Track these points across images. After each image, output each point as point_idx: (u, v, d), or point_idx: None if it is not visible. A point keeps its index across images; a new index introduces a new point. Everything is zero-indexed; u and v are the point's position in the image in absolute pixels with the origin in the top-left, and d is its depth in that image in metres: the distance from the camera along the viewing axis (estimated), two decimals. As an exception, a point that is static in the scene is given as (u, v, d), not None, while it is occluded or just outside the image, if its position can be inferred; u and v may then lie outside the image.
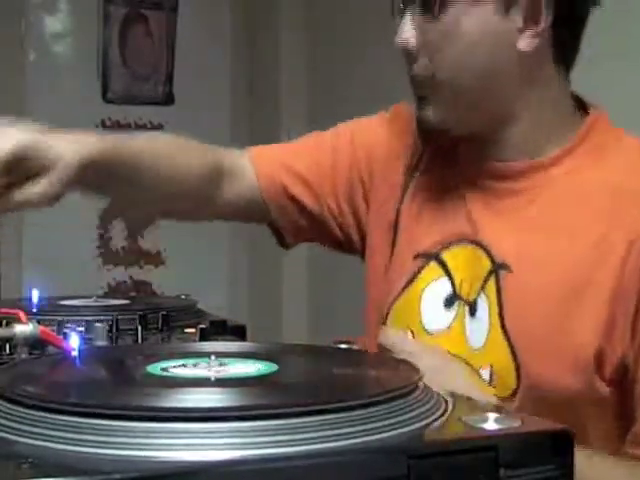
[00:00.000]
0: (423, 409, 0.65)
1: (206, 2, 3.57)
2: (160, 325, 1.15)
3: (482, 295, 1.03)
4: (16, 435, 0.59)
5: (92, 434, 0.57)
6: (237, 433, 0.57)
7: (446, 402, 0.69)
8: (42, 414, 0.60)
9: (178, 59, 3.50)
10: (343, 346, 0.88)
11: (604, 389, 0.97)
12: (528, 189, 1.04)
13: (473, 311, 1.04)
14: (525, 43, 0.99)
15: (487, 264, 1.03)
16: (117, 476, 0.53)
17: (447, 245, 1.08)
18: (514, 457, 0.61)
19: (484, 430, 0.62)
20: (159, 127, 3.47)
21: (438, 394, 0.70)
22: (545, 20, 0.98)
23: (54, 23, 3.35)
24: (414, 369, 0.73)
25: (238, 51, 3.57)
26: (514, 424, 0.63)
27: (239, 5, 3.58)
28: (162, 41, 3.50)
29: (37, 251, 3.25)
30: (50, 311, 1.18)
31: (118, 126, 3.42)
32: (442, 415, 0.66)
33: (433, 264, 1.08)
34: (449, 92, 1.03)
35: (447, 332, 1.06)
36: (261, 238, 3.77)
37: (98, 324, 1.04)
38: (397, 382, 0.67)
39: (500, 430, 0.62)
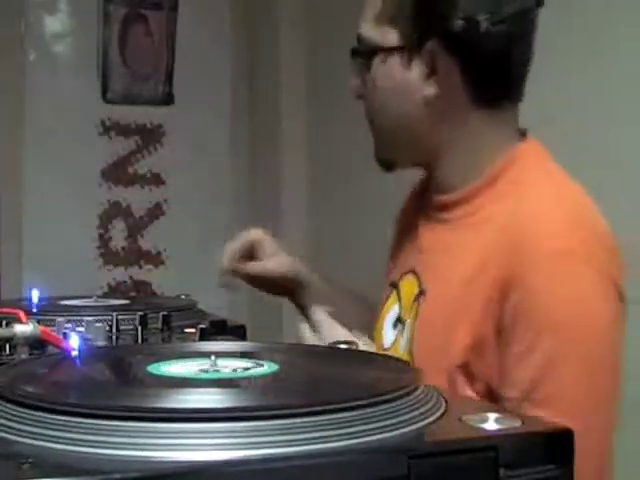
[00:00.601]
0: (423, 409, 0.65)
1: (206, 2, 3.57)
2: (160, 325, 1.15)
3: (410, 318, 1.18)
4: (16, 435, 0.59)
5: (92, 434, 0.57)
6: (237, 433, 0.57)
7: (446, 402, 0.69)
8: (42, 414, 0.60)
9: (178, 59, 3.50)
10: (343, 346, 0.88)
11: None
12: (453, 219, 1.17)
13: (403, 331, 1.19)
14: (429, 90, 1.12)
15: (416, 290, 1.18)
16: (117, 476, 0.53)
17: (403, 274, 1.23)
18: (514, 457, 0.61)
19: (484, 430, 0.62)
20: (159, 127, 3.47)
21: (438, 394, 0.70)
22: (445, 68, 1.11)
23: (54, 23, 3.35)
24: (415, 369, 0.73)
25: (238, 51, 3.57)
26: (514, 424, 0.63)
27: (239, 5, 3.58)
28: (162, 41, 3.50)
29: (37, 251, 3.25)
30: (50, 311, 1.18)
31: (118, 126, 3.42)
32: (442, 415, 0.66)
33: (394, 292, 1.25)
34: (378, 132, 1.22)
35: (391, 349, 1.21)
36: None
37: (98, 324, 1.04)
38: (397, 382, 0.67)
39: (500, 430, 0.62)
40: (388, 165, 1.25)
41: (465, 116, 1.13)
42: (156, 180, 3.47)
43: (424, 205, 1.25)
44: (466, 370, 1.06)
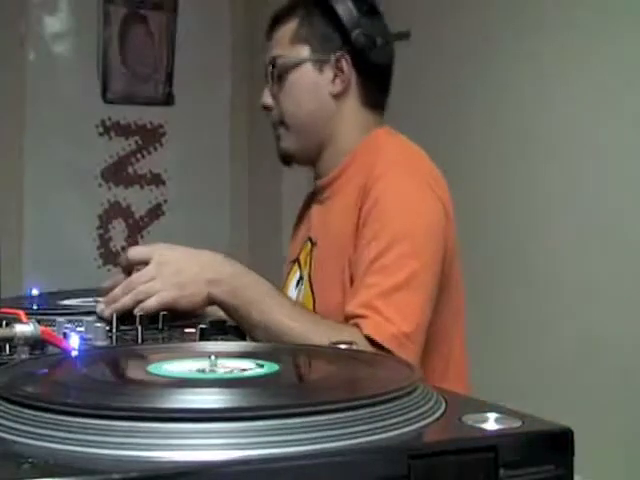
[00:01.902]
0: (423, 409, 0.65)
1: (206, 2, 3.57)
2: (160, 325, 1.15)
3: (306, 269, 1.51)
4: (16, 435, 0.59)
5: (92, 434, 0.57)
6: (237, 433, 0.57)
7: (446, 402, 0.69)
8: (42, 414, 0.60)
9: (178, 59, 3.50)
10: (343, 346, 0.88)
11: None
12: (330, 196, 1.52)
13: (302, 283, 1.52)
14: (337, 87, 1.47)
15: (309, 246, 1.52)
16: (117, 476, 0.53)
17: (301, 247, 1.57)
18: (514, 457, 0.61)
19: (484, 430, 0.62)
20: (159, 127, 3.47)
21: (438, 394, 0.70)
22: (347, 72, 1.46)
23: (54, 23, 3.35)
24: (414, 369, 0.73)
25: (238, 51, 3.57)
26: (514, 424, 0.63)
27: (239, 5, 3.58)
28: (162, 41, 3.50)
29: (37, 251, 3.25)
30: (50, 311, 1.18)
31: (118, 126, 3.42)
32: (442, 415, 0.66)
33: (295, 264, 1.58)
34: (292, 130, 1.53)
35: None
36: (261, 238, 3.78)
37: (98, 324, 1.04)
38: (397, 382, 0.67)
39: (500, 430, 0.62)
40: (288, 160, 1.56)
41: (354, 114, 1.49)
42: (156, 180, 3.47)
43: (313, 199, 1.59)
44: (350, 276, 1.40)
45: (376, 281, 1.31)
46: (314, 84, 1.48)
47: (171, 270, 1.24)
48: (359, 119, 1.49)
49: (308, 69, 1.47)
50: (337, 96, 1.47)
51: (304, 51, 1.48)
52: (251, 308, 1.23)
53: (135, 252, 1.29)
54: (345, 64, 1.45)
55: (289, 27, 1.51)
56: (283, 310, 1.25)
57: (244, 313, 1.23)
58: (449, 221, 1.41)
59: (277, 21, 1.56)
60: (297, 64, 1.48)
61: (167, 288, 1.21)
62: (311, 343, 1.15)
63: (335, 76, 1.46)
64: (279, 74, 1.49)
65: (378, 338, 1.26)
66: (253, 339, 1.22)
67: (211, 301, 1.24)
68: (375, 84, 1.50)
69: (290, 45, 1.49)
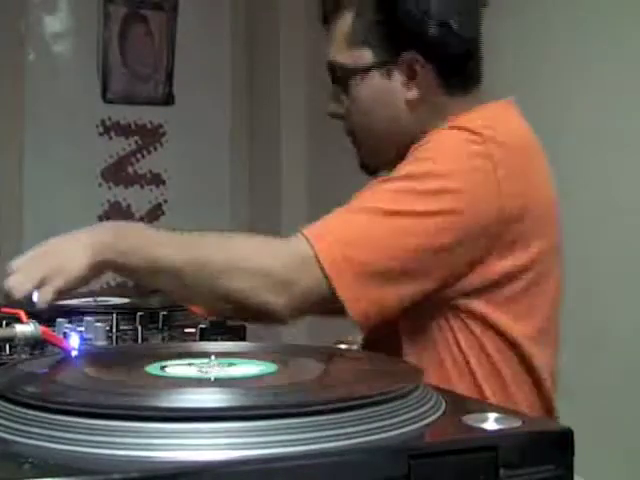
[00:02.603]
0: (423, 409, 0.65)
1: (206, 2, 3.57)
2: (160, 325, 1.15)
3: None
4: (16, 435, 0.59)
5: (92, 434, 0.57)
6: (237, 433, 0.57)
7: (446, 402, 0.69)
8: (42, 414, 0.60)
9: (178, 59, 3.50)
10: (343, 346, 0.88)
11: None
12: None
13: None
14: (411, 94, 1.24)
15: None
16: (117, 476, 0.53)
17: None
18: (514, 457, 0.61)
19: (484, 430, 0.62)
20: (159, 127, 3.47)
21: (438, 394, 0.70)
22: (422, 71, 1.22)
23: (54, 23, 3.35)
24: (414, 369, 0.73)
25: (238, 51, 3.57)
26: (514, 424, 0.63)
27: (239, 5, 3.58)
28: (162, 41, 3.50)
29: (37, 251, 3.25)
30: (50, 311, 1.18)
31: (118, 126, 3.42)
32: (442, 415, 0.66)
33: None
34: (363, 142, 1.31)
35: None
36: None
37: (98, 324, 1.04)
38: (397, 382, 0.67)
39: (500, 430, 0.62)
40: (373, 170, 1.33)
41: (443, 106, 1.25)
42: (156, 180, 3.47)
43: None
44: None
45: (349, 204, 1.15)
46: (383, 92, 1.25)
47: (33, 256, 1.17)
48: (449, 110, 1.24)
49: (374, 77, 1.25)
50: (415, 102, 1.24)
51: (365, 56, 1.25)
52: (143, 253, 1.10)
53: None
54: (418, 65, 1.22)
55: (343, 23, 1.26)
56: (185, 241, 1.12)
57: (135, 264, 1.10)
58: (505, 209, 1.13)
59: (331, 11, 1.29)
60: (360, 72, 1.25)
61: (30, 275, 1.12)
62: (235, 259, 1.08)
63: (408, 79, 1.23)
64: (342, 81, 1.28)
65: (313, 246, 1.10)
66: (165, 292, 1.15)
67: (95, 267, 1.11)
68: (461, 69, 1.25)
69: (348, 49, 1.26)
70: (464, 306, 1.15)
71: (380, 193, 1.14)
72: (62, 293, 1.08)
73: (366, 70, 1.25)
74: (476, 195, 1.12)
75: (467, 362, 1.15)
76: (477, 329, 1.15)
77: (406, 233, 1.10)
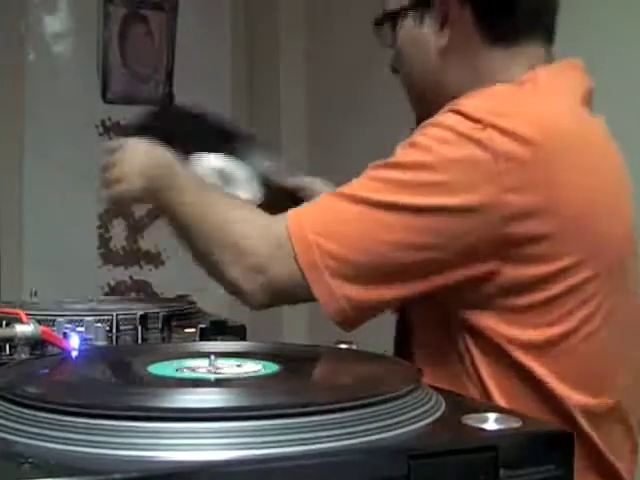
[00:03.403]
0: (423, 409, 0.65)
1: (206, 2, 3.57)
2: (160, 325, 1.15)
3: None
4: (16, 435, 0.59)
5: (92, 434, 0.57)
6: (237, 433, 0.57)
7: (446, 402, 0.69)
8: (42, 414, 0.60)
9: (178, 59, 3.50)
10: (343, 346, 0.88)
11: None
12: None
13: None
14: (442, 41, 1.12)
15: None
16: (117, 476, 0.53)
17: None
18: (514, 457, 0.61)
19: (484, 430, 0.62)
20: (159, 127, 3.47)
21: (438, 394, 0.70)
22: (456, 15, 1.10)
23: (54, 23, 3.35)
24: (415, 369, 0.73)
25: (238, 51, 3.57)
26: (514, 424, 0.63)
27: (239, 5, 3.58)
28: (162, 41, 3.50)
29: (37, 251, 3.25)
30: (50, 311, 1.18)
31: (118, 126, 3.42)
32: (442, 415, 0.66)
33: None
34: (411, 96, 1.21)
35: None
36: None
37: (98, 324, 1.04)
38: (397, 382, 0.67)
39: (500, 430, 0.62)
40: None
41: (483, 57, 1.12)
42: (156, 180, 3.47)
43: None
44: None
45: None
46: (417, 39, 1.15)
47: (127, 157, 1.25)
48: (485, 63, 1.12)
49: (409, 22, 1.16)
50: (444, 50, 1.13)
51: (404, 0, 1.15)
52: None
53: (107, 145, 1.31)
54: (452, 8, 1.10)
55: None
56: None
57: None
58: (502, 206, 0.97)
59: None
60: (398, 16, 1.16)
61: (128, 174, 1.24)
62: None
63: (441, 24, 1.12)
64: (389, 30, 1.20)
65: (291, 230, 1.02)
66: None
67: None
68: (499, 13, 1.10)
69: None
70: (475, 322, 1.01)
71: (368, 181, 1.05)
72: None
73: (403, 14, 1.15)
74: (469, 188, 0.98)
75: (482, 382, 1.01)
76: (488, 347, 1.01)
77: (388, 229, 0.99)
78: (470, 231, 0.98)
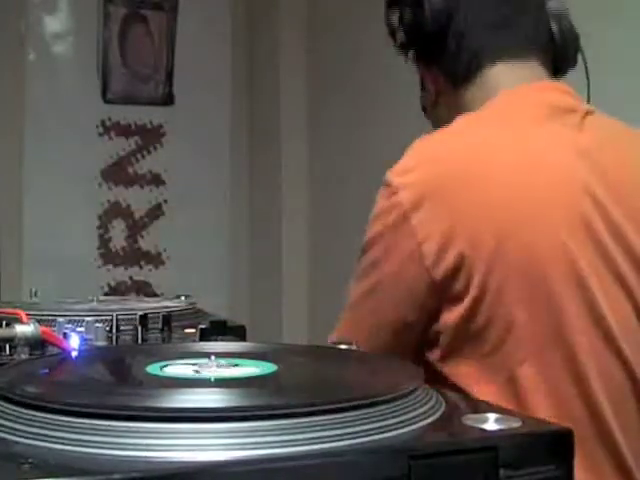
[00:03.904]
0: (423, 409, 0.65)
1: (206, 2, 3.57)
2: (160, 325, 1.15)
3: None
4: (16, 435, 0.59)
5: (92, 434, 0.57)
6: (237, 433, 0.57)
7: (446, 402, 0.69)
8: (42, 414, 0.60)
9: (178, 59, 3.50)
10: (343, 346, 0.88)
11: None
12: None
13: None
14: (429, 94, 1.23)
15: None
16: (117, 476, 0.53)
17: None
18: (514, 457, 0.61)
19: (484, 430, 0.62)
20: (159, 127, 3.47)
21: (438, 394, 0.70)
22: (424, 70, 1.21)
23: (54, 23, 3.35)
24: (414, 369, 0.73)
25: (238, 51, 3.57)
26: (514, 424, 0.63)
27: (239, 5, 3.58)
28: (162, 41, 3.50)
29: (37, 251, 3.25)
30: (50, 311, 1.18)
31: (118, 126, 3.42)
32: (442, 415, 0.66)
33: None
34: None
35: None
36: (261, 238, 3.78)
37: (98, 324, 1.04)
38: (397, 382, 0.67)
39: (500, 430, 0.62)
40: None
41: (458, 97, 1.19)
42: (156, 180, 3.47)
43: None
44: None
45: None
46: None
47: None
48: (459, 104, 1.18)
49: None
50: (440, 102, 1.23)
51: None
52: None
53: None
54: (420, 64, 1.21)
55: None
56: None
57: None
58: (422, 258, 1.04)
59: None
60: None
61: None
62: None
63: (421, 81, 1.25)
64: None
65: None
66: None
67: None
68: (442, 50, 1.16)
69: None
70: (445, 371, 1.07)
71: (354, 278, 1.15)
72: None
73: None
74: (392, 255, 1.07)
75: None
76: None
77: (360, 318, 1.13)
78: (406, 290, 1.07)
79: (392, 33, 1.20)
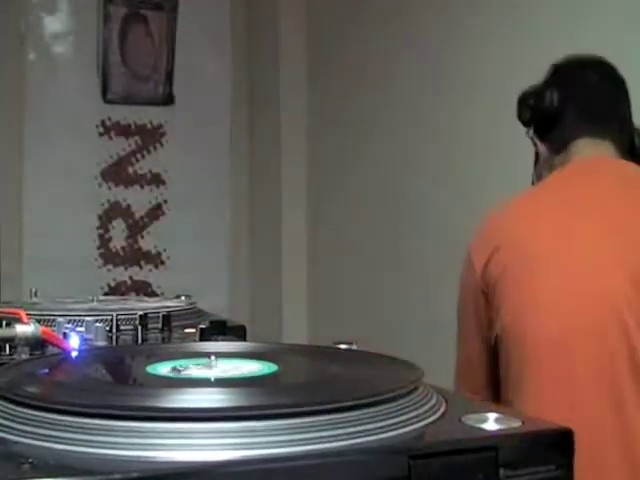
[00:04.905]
0: (423, 409, 0.65)
1: (206, 2, 3.57)
2: (160, 325, 1.15)
3: None
4: (16, 435, 0.59)
5: (92, 434, 0.57)
6: (237, 433, 0.57)
7: (446, 402, 0.69)
8: (42, 414, 0.60)
9: (178, 59, 3.50)
10: (343, 346, 0.88)
11: None
12: None
13: None
14: (542, 153, 1.55)
15: None
16: (117, 476, 0.53)
17: None
18: (514, 457, 0.61)
19: (484, 430, 0.62)
20: (159, 127, 3.47)
21: (438, 394, 0.70)
22: (535, 139, 1.54)
23: (54, 23, 3.35)
24: (414, 369, 0.73)
25: (238, 51, 3.57)
26: (514, 424, 0.63)
27: (239, 5, 3.58)
28: (162, 41, 3.50)
29: (37, 251, 3.25)
30: (50, 311, 1.18)
31: (118, 126, 3.42)
32: (442, 415, 0.66)
33: None
34: None
35: None
36: (261, 238, 3.78)
37: (98, 324, 1.04)
38: (397, 382, 0.67)
39: (500, 430, 0.62)
40: None
41: (550, 161, 1.51)
42: (156, 180, 3.47)
43: None
44: None
45: None
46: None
47: None
48: (553, 164, 1.51)
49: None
50: (542, 158, 1.55)
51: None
52: None
53: None
54: (534, 136, 1.55)
55: None
56: None
57: None
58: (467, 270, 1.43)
59: None
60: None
61: None
62: None
63: (536, 145, 1.57)
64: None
65: None
66: None
67: None
68: (549, 131, 1.52)
69: None
70: None
71: None
72: None
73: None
74: (463, 284, 1.44)
75: None
76: None
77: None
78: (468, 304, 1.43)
79: (520, 116, 1.55)
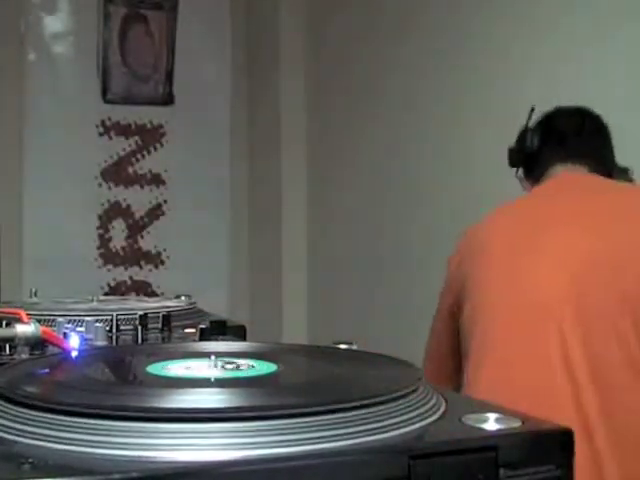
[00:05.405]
0: (423, 409, 0.65)
1: (206, 2, 3.57)
2: (160, 325, 1.15)
3: None
4: (16, 435, 0.59)
5: (92, 434, 0.57)
6: (237, 433, 0.57)
7: (446, 402, 0.69)
8: (42, 414, 0.60)
9: (178, 59, 3.50)
10: (343, 346, 0.88)
11: None
12: None
13: None
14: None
15: None
16: (117, 476, 0.53)
17: None
18: (514, 457, 0.61)
19: (484, 430, 0.62)
20: (159, 127, 3.47)
21: (438, 394, 0.70)
22: (521, 174, 1.77)
23: (54, 23, 3.35)
24: (415, 369, 0.73)
25: (238, 51, 3.57)
26: (514, 424, 0.63)
27: (239, 5, 3.58)
28: (162, 41, 3.50)
29: (37, 251, 3.25)
30: (50, 311, 1.18)
31: (118, 126, 3.42)
32: (442, 415, 0.66)
33: None
34: None
35: None
36: (261, 238, 3.77)
37: (98, 324, 1.04)
38: (397, 382, 0.67)
39: (500, 430, 0.62)
40: None
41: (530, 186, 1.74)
42: (156, 180, 3.47)
43: None
44: None
45: None
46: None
47: None
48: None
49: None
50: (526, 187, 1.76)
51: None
52: None
53: None
54: (519, 171, 1.77)
55: None
56: None
57: None
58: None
59: None
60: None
61: None
62: None
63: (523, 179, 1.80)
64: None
65: None
66: None
67: None
68: (527, 166, 1.74)
69: None
70: None
71: None
72: None
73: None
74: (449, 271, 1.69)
75: None
76: None
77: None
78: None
79: (509, 160, 1.76)
